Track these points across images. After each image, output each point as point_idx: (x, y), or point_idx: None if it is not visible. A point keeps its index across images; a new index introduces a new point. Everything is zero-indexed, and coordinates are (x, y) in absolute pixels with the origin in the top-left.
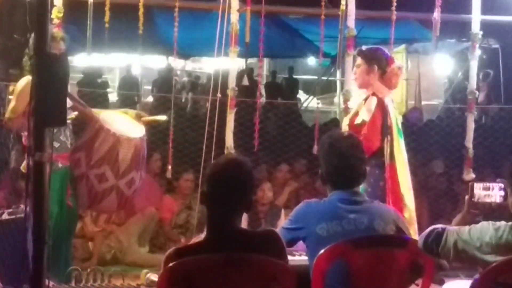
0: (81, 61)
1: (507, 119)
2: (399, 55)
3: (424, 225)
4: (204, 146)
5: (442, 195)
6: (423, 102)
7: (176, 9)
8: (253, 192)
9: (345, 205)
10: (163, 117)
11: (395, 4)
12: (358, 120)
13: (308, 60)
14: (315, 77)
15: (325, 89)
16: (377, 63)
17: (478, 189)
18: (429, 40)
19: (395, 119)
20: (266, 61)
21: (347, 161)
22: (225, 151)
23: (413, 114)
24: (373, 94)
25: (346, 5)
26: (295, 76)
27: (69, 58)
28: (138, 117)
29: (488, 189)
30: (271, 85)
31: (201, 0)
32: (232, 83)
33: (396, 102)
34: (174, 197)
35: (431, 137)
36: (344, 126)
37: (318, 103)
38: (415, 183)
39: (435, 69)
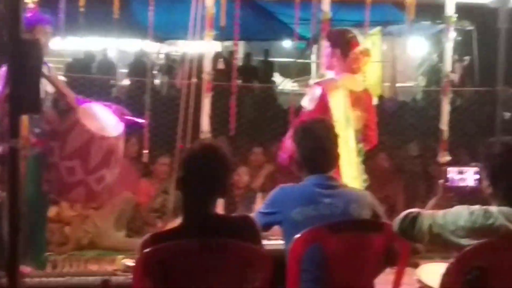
0: (55, 45)
1: (481, 101)
2: (374, 38)
3: (400, 207)
4: (179, 130)
5: (418, 178)
6: (398, 84)
7: None
8: (229, 178)
9: (321, 190)
10: (142, 121)
11: None
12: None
13: (284, 42)
14: (291, 59)
15: (301, 71)
16: (340, 46)
17: (453, 173)
18: (404, 23)
19: (344, 108)
20: (241, 44)
21: (322, 144)
22: (201, 135)
23: (387, 104)
24: (318, 84)
25: None
26: (270, 59)
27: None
28: (120, 113)
29: (462, 173)
30: (246, 68)
31: None
32: (207, 67)
33: (372, 84)
34: (151, 181)
35: (406, 119)
36: None
37: (293, 86)
38: (391, 165)
39: (410, 51)
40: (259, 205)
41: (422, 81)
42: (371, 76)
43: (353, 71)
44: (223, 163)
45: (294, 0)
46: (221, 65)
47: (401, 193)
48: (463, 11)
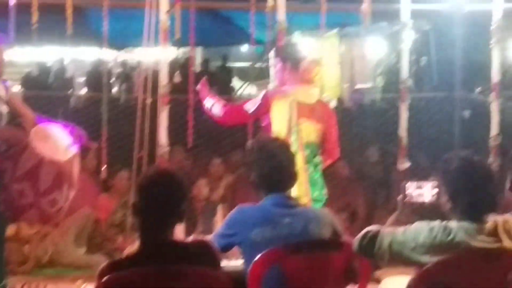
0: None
1: (439, 101)
2: (331, 40)
3: (361, 215)
4: (137, 143)
5: (378, 184)
6: (357, 86)
7: (105, 5)
8: (185, 203)
9: (279, 209)
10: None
11: None
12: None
13: (242, 47)
14: (249, 63)
15: (260, 75)
16: (290, 59)
17: (411, 189)
18: (361, 24)
19: (288, 120)
20: (199, 49)
21: (279, 162)
22: (159, 149)
23: (355, 95)
24: (267, 91)
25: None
26: (229, 64)
27: None
28: (76, 135)
29: (421, 188)
30: (204, 74)
31: None
32: (163, 80)
33: (331, 86)
34: (110, 196)
35: (365, 123)
36: None
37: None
38: (351, 173)
39: (368, 52)
40: (220, 217)
41: (380, 82)
42: (329, 79)
43: (305, 82)
44: (178, 188)
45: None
46: (177, 78)
47: (361, 201)
48: (420, 12)
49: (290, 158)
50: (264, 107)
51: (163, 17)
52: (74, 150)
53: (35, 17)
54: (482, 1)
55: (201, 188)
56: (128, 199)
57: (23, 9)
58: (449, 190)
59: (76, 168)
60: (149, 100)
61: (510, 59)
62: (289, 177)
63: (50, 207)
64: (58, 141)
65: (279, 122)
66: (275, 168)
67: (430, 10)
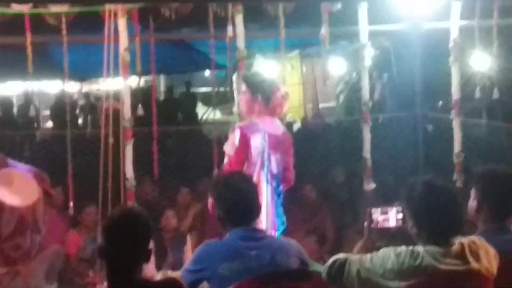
0: None
1: (402, 119)
2: (293, 61)
3: (329, 237)
4: (101, 178)
5: (345, 205)
6: (320, 105)
7: (65, 41)
8: (150, 243)
9: (246, 242)
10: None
11: (282, 23)
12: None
13: (205, 72)
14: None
15: (223, 99)
16: (261, 92)
17: (376, 214)
18: (321, 45)
19: (262, 152)
20: (162, 76)
21: (243, 196)
22: (126, 183)
23: (314, 120)
24: (240, 127)
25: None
26: (192, 90)
27: None
28: (38, 177)
29: (386, 213)
30: (168, 101)
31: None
32: (126, 114)
33: (294, 106)
34: (79, 231)
35: (330, 143)
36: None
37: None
38: (318, 195)
39: (330, 72)
40: (189, 246)
41: (344, 101)
42: (292, 100)
43: (275, 115)
44: (144, 229)
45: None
46: (140, 112)
47: (329, 223)
48: (379, 32)
49: (253, 191)
50: (245, 145)
51: (123, 53)
52: (37, 194)
53: None
54: (440, 19)
55: (170, 219)
56: (96, 234)
57: None
58: (414, 215)
59: (40, 212)
60: (111, 138)
61: (469, 73)
62: (253, 210)
63: (14, 252)
64: (20, 186)
65: (255, 155)
66: (239, 202)
67: (387, 32)
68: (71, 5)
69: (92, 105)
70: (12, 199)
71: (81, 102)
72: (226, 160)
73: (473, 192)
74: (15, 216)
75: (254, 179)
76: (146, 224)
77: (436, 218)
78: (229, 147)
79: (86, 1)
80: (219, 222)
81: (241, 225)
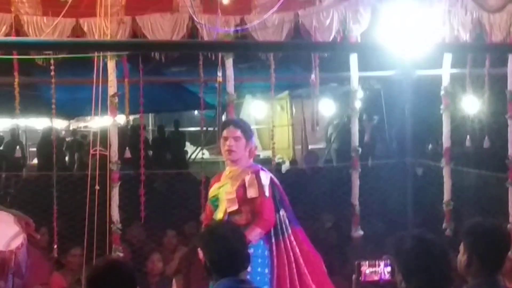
0: None
1: (392, 166)
2: (282, 101)
3: None
4: (88, 220)
5: (333, 250)
6: (309, 146)
7: (53, 82)
8: None
9: None
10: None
11: (273, 67)
12: (252, 194)
13: (194, 111)
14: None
15: (212, 139)
16: (251, 138)
17: (365, 267)
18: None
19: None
20: (151, 115)
21: (231, 245)
22: (112, 226)
23: (309, 157)
24: (263, 169)
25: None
26: (181, 129)
27: None
28: (22, 222)
29: (374, 266)
30: (158, 140)
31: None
32: (113, 157)
33: (283, 147)
34: (63, 273)
35: (320, 185)
36: (228, 197)
37: (203, 154)
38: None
39: (320, 113)
40: None
41: (335, 144)
42: (282, 140)
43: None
44: (128, 280)
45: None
46: (128, 154)
47: None
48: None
49: (241, 240)
50: (272, 187)
51: (111, 98)
52: (20, 239)
53: None
54: (431, 66)
55: (156, 262)
56: (81, 277)
57: None
58: (403, 270)
59: (23, 257)
60: (97, 186)
61: (458, 118)
62: (242, 260)
63: None
64: (4, 231)
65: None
66: (226, 251)
67: (379, 77)
68: (63, 53)
69: (79, 142)
70: None
71: (68, 139)
72: (257, 203)
73: (462, 246)
74: None
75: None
76: (130, 275)
77: (425, 273)
78: (255, 190)
79: (77, 50)
80: (206, 271)
81: (228, 276)
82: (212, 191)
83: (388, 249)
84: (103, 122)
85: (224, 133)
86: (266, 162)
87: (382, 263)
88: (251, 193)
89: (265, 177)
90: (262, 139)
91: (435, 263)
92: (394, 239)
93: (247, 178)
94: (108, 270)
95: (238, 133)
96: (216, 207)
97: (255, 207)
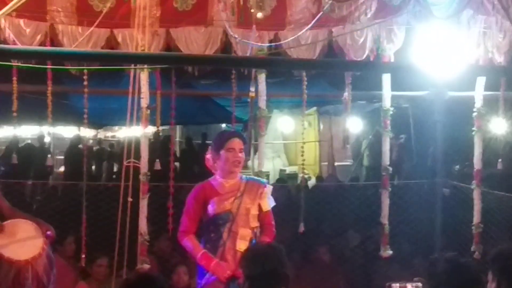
0: None
1: (418, 179)
2: (310, 117)
3: None
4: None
5: (358, 269)
6: (336, 163)
7: (86, 92)
8: None
9: None
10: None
11: (305, 84)
12: (267, 207)
13: (221, 124)
14: None
15: None
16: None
17: None
18: (339, 103)
19: None
20: (179, 127)
21: (268, 264)
22: (139, 238)
23: (329, 180)
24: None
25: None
26: (208, 141)
27: None
28: (43, 228)
29: None
30: (186, 152)
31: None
32: (143, 168)
33: (309, 164)
34: (89, 282)
35: (346, 203)
36: (253, 213)
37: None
38: (331, 258)
39: (347, 130)
40: None
41: (366, 161)
42: (308, 157)
43: None
44: None
45: (229, 82)
46: (158, 166)
47: (343, 286)
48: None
49: (280, 261)
50: None
51: (144, 110)
52: (38, 249)
53: (15, 105)
54: (461, 87)
55: (182, 275)
56: (108, 285)
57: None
58: None
59: (42, 267)
60: (130, 197)
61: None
62: (277, 281)
63: None
64: (23, 240)
65: None
66: (262, 270)
67: (410, 96)
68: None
69: (107, 152)
70: (11, 253)
71: (95, 148)
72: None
73: (490, 274)
74: (12, 270)
75: None
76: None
77: None
78: (269, 203)
79: (111, 62)
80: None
81: None
82: (221, 206)
83: (417, 270)
84: (131, 133)
85: (231, 144)
86: (292, 178)
87: (413, 286)
88: (267, 206)
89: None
90: (288, 154)
91: (468, 286)
92: (427, 261)
93: (265, 191)
94: (141, 283)
95: (243, 146)
96: (225, 222)
97: (267, 219)
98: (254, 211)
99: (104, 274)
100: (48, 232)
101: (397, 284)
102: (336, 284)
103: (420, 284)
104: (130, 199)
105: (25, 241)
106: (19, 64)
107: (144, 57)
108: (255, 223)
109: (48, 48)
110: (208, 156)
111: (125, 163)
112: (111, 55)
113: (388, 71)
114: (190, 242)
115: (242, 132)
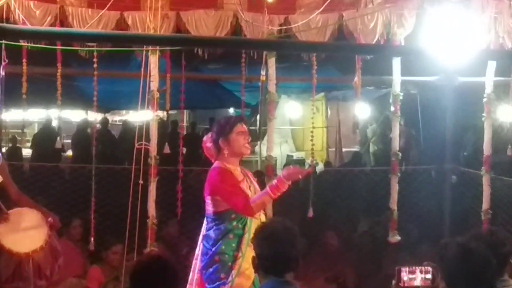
0: None
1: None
2: (318, 103)
3: (350, 285)
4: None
5: (367, 254)
6: (343, 149)
7: (95, 75)
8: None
9: None
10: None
11: (315, 68)
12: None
13: (229, 109)
14: None
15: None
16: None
17: (405, 273)
18: (347, 88)
19: None
20: (186, 112)
21: (279, 244)
22: (148, 221)
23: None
24: None
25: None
26: None
27: None
28: (48, 217)
29: (414, 272)
30: (191, 137)
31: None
32: (153, 151)
33: (317, 149)
34: (102, 267)
35: (354, 189)
36: None
37: None
38: (339, 242)
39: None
40: None
41: (372, 147)
42: (316, 142)
43: None
44: (171, 276)
45: (238, 66)
46: (167, 150)
47: (351, 272)
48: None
49: (292, 243)
50: None
51: (154, 92)
52: (40, 241)
53: (24, 87)
54: (472, 73)
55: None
56: (120, 273)
57: (14, 76)
58: (447, 277)
59: (44, 259)
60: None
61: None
62: (288, 262)
63: None
64: (26, 230)
65: None
66: (273, 251)
67: (421, 81)
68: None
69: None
70: (12, 244)
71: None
72: None
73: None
74: (13, 261)
75: None
76: (173, 271)
77: (468, 280)
78: None
79: (121, 43)
80: (253, 266)
81: (273, 276)
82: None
83: (425, 256)
84: (140, 117)
85: (240, 128)
86: (299, 163)
87: (422, 270)
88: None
89: None
90: (295, 140)
91: (479, 271)
92: (438, 245)
93: (250, 174)
94: (152, 264)
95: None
96: None
97: None
98: None
99: (117, 260)
100: (49, 219)
101: (406, 268)
102: (344, 269)
103: (429, 268)
104: (141, 182)
105: (29, 232)
106: (30, 44)
107: (155, 39)
108: None
109: (58, 28)
110: (209, 144)
111: (136, 145)
112: (122, 36)
113: (399, 54)
114: (256, 200)
115: (250, 117)
